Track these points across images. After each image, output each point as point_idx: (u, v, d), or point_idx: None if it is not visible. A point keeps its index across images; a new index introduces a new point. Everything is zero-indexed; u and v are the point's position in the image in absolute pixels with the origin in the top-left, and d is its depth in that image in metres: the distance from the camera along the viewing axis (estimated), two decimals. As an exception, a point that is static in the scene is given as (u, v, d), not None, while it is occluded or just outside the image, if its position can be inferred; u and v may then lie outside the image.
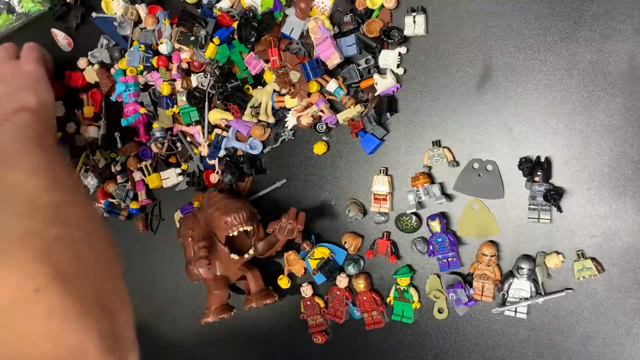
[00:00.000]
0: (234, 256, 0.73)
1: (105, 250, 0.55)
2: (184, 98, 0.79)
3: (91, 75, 0.86)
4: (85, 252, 0.51)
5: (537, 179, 0.62)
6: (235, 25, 0.74)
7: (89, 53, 0.86)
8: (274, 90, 0.75)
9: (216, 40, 0.74)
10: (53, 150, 0.67)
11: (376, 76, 0.68)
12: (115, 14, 0.83)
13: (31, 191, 0.54)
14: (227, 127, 0.79)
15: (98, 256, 0.53)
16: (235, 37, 0.74)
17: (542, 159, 0.62)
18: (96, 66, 0.86)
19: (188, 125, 0.81)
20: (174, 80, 0.79)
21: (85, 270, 0.49)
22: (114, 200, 0.89)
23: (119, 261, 0.55)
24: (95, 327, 0.44)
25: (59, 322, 0.43)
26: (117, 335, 0.47)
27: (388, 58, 0.67)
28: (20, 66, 0.81)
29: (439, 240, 0.66)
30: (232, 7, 0.76)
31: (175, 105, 0.81)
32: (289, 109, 0.74)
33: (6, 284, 0.43)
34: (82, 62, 0.89)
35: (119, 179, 0.88)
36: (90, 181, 0.89)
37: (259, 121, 0.77)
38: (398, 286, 0.71)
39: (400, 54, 0.67)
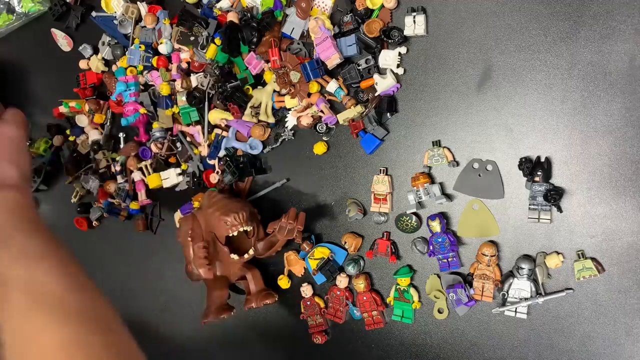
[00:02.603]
0: (234, 256, 0.73)
1: (135, 349, 0.53)
2: (184, 98, 0.79)
3: (96, 65, 0.87)
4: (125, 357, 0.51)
5: (537, 179, 0.62)
6: (235, 25, 0.74)
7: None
8: (274, 91, 0.75)
9: (217, 41, 0.74)
10: (50, 234, 0.62)
11: (376, 76, 0.68)
12: (116, 12, 0.83)
13: (57, 293, 0.52)
14: (227, 127, 0.79)
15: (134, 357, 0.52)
16: (235, 37, 0.74)
17: (542, 159, 0.62)
18: (100, 55, 0.87)
19: (188, 125, 0.81)
20: (174, 80, 0.79)
21: None
22: (114, 201, 0.89)
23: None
24: None
25: None
26: None
27: (388, 58, 0.67)
28: (2, 128, 0.72)
29: (439, 240, 0.66)
30: (232, 6, 0.76)
31: (175, 105, 0.81)
32: (289, 109, 0.74)
33: None
34: (83, 63, 0.89)
35: (119, 179, 0.88)
36: (92, 183, 0.90)
37: (259, 121, 0.77)
38: (398, 286, 0.71)
39: (400, 54, 0.67)
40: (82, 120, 0.90)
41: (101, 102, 0.88)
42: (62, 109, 0.89)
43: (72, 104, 0.88)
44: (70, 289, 0.53)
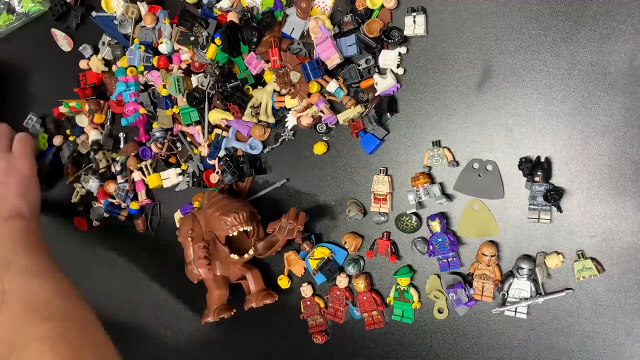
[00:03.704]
0: (234, 256, 0.73)
1: (108, 342, 0.62)
2: (184, 98, 0.79)
3: (96, 65, 0.87)
4: (101, 351, 0.60)
5: (537, 179, 0.62)
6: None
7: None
8: (274, 91, 0.75)
9: (217, 41, 0.74)
10: (47, 255, 0.73)
11: (376, 76, 0.68)
12: (116, 12, 0.83)
13: (45, 299, 0.63)
14: (227, 127, 0.79)
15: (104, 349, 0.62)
16: (236, 37, 0.74)
17: (542, 159, 0.62)
18: (100, 55, 0.87)
19: (188, 125, 0.81)
20: (174, 80, 0.79)
21: None
22: (114, 200, 0.89)
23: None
24: None
25: None
26: None
27: (388, 58, 0.67)
28: (13, 161, 0.82)
29: (439, 240, 0.66)
30: (232, 6, 0.76)
31: (175, 106, 0.81)
32: (289, 109, 0.74)
33: None
34: (83, 63, 0.89)
35: (119, 179, 0.88)
36: (92, 184, 0.90)
37: (259, 121, 0.77)
38: (398, 286, 0.71)
39: (400, 54, 0.67)
40: (82, 120, 0.90)
41: (101, 102, 0.88)
42: (62, 109, 0.89)
43: (72, 104, 0.88)
44: (56, 296, 0.64)
